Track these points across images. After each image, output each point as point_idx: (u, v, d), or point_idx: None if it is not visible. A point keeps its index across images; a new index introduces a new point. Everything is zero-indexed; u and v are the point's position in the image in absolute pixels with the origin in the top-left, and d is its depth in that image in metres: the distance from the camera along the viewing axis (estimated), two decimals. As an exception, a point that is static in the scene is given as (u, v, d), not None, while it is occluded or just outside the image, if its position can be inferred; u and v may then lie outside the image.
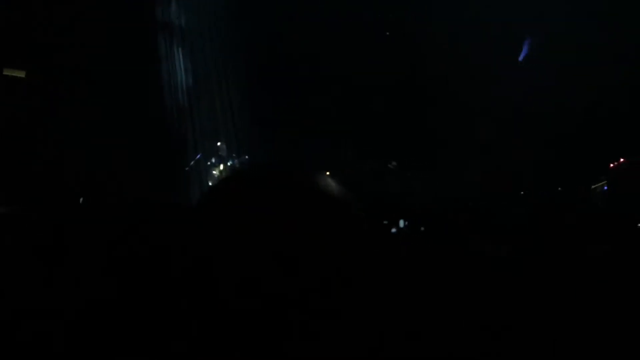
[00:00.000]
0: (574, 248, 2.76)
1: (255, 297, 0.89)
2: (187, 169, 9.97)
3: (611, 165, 8.04)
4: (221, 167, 10.12)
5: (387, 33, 11.06)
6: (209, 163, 10.24)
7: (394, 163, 10.11)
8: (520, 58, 11.16)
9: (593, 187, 8.18)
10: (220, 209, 0.96)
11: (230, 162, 10.13)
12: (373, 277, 0.95)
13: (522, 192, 9.05)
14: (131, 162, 9.28)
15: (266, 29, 10.37)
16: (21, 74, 9.31)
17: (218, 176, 10.20)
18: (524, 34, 10.92)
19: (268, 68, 10.57)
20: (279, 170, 1.01)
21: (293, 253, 0.91)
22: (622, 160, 8.03)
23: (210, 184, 10.23)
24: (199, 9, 10.76)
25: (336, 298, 0.92)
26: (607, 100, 9.37)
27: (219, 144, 10.29)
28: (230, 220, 0.94)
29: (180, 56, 10.61)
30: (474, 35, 10.24)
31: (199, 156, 10.18)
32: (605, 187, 8.02)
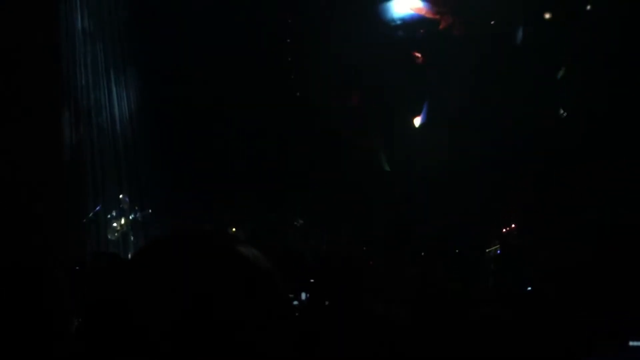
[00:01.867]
0: (458, 312, 2.87)
1: None
2: (84, 220, 9.56)
3: (504, 230, 8.46)
4: (122, 220, 9.80)
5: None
6: (109, 216, 9.90)
7: (300, 221, 10.19)
8: (419, 122, 11.62)
9: (487, 250, 8.54)
10: (141, 280, 0.95)
11: (132, 216, 9.84)
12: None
13: (422, 253, 9.31)
14: (22, 213, 8.84)
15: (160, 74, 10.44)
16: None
17: (119, 230, 9.85)
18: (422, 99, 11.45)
19: (165, 114, 10.57)
20: (197, 240, 0.99)
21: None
22: (513, 226, 8.48)
23: (109, 237, 9.85)
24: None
25: None
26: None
27: (121, 196, 9.99)
28: (149, 289, 0.93)
29: (84, 105, 10.35)
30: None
31: (97, 208, 9.80)
32: (499, 251, 8.40)
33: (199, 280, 0.93)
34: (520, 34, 10.70)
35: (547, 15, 10.71)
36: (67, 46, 10.09)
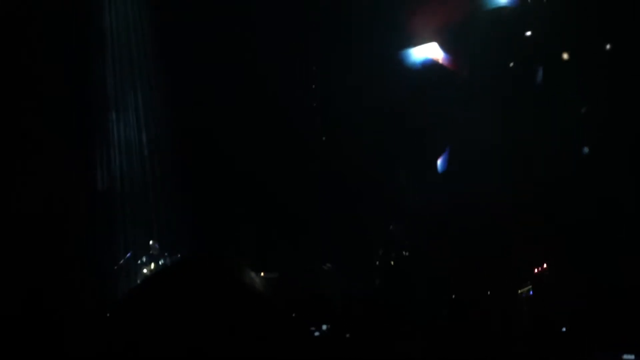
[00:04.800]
0: (497, 349, 2.92)
1: None
2: (116, 267, 9.66)
3: (536, 270, 8.45)
4: (152, 265, 9.89)
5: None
6: (139, 262, 9.99)
7: (329, 265, 10.21)
8: (440, 169, 11.65)
9: (520, 291, 8.51)
10: (145, 307, 1.02)
11: (162, 262, 9.93)
12: None
13: (453, 297, 9.27)
14: (59, 258, 8.97)
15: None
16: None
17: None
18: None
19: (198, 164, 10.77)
20: (202, 266, 1.07)
21: (210, 349, 0.97)
22: (545, 266, 8.46)
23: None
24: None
25: None
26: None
27: (151, 242, 10.10)
28: (154, 318, 0.99)
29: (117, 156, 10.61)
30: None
31: (129, 255, 9.91)
32: (531, 292, 8.37)
33: (200, 303, 0.99)
34: (540, 74, 10.86)
35: (566, 56, 10.86)
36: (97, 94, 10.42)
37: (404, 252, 10.25)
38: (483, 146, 10.74)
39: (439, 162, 11.58)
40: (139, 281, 9.88)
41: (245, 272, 1.10)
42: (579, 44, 10.58)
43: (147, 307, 1.02)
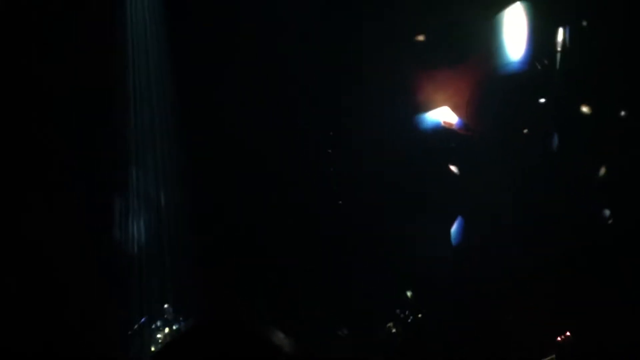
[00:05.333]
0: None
1: None
2: (130, 332, 9.53)
3: (559, 339, 8.28)
4: (166, 330, 9.75)
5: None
6: (153, 326, 9.85)
7: (345, 331, 10.06)
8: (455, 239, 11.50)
9: (543, 360, 8.32)
10: None
11: (176, 326, 9.79)
12: None
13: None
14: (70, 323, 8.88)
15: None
16: None
17: (162, 341, 9.78)
18: None
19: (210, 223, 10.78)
20: (226, 330, 1.06)
21: None
22: (568, 334, 8.30)
23: (152, 349, 9.76)
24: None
25: None
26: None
27: (165, 306, 9.99)
28: None
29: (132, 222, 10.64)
30: None
31: (143, 320, 9.79)
32: (555, 362, 8.18)
33: None
34: (555, 141, 10.91)
35: (585, 110, 10.85)
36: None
37: (419, 317, 10.10)
38: (497, 210, 10.70)
39: (453, 231, 11.44)
40: (152, 347, 9.73)
41: (273, 333, 1.09)
42: (594, 106, 10.64)
43: None
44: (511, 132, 11.10)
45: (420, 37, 11.42)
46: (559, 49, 10.83)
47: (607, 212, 10.34)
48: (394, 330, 9.81)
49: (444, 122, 11.44)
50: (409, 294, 10.44)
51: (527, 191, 10.66)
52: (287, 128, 10.90)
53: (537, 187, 10.64)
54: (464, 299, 10.31)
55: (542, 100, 10.93)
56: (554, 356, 8.17)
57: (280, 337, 1.09)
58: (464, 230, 11.35)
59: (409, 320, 9.87)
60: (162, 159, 10.93)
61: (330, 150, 11.33)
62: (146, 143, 10.87)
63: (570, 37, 10.75)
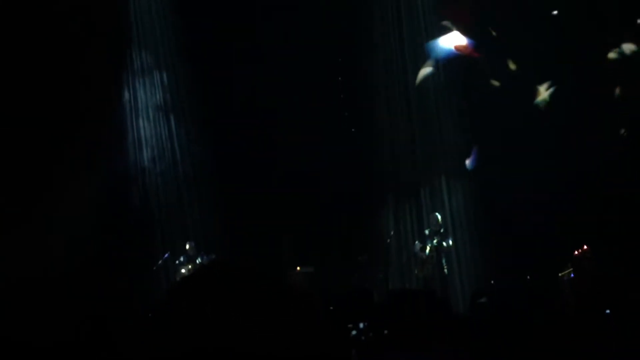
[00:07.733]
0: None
1: None
2: (154, 268, 9.78)
3: (575, 252, 8.37)
4: (190, 266, 9.98)
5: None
6: (177, 262, 10.10)
7: (365, 256, 10.20)
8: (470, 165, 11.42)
9: (560, 274, 8.44)
10: (183, 309, 1.05)
11: (199, 260, 10.02)
12: None
13: (491, 281, 9.21)
14: (95, 259, 9.08)
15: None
16: None
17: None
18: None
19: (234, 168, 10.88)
20: (239, 269, 1.09)
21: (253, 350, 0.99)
22: (585, 247, 8.38)
23: (176, 283, 10.02)
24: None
25: None
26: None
27: (187, 243, 10.21)
28: (194, 320, 1.02)
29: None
30: None
31: (166, 255, 10.03)
32: (572, 275, 8.30)
33: (237, 301, 1.02)
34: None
35: None
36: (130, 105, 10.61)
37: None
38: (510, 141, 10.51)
39: (468, 161, 11.34)
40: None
41: (289, 274, 1.12)
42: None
43: (189, 307, 1.05)
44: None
45: None
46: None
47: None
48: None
49: (456, 47, 11.29)
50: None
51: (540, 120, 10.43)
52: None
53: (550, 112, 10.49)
54: None
55: None
56: (571, 269, 8.28)
57: (296, 276, 1.13)
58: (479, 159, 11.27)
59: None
60: (177, 99, 11.06)
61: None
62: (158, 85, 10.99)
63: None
